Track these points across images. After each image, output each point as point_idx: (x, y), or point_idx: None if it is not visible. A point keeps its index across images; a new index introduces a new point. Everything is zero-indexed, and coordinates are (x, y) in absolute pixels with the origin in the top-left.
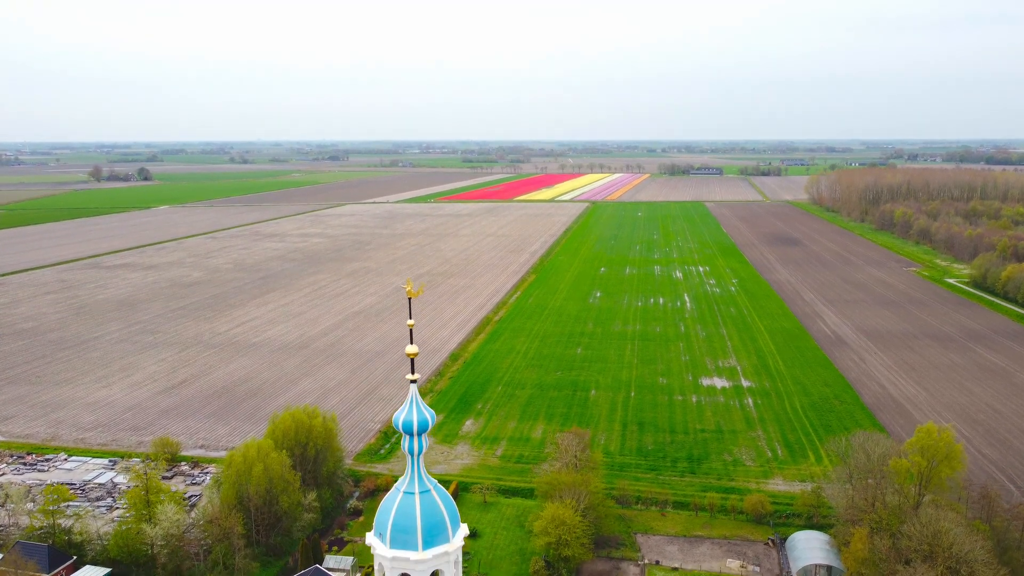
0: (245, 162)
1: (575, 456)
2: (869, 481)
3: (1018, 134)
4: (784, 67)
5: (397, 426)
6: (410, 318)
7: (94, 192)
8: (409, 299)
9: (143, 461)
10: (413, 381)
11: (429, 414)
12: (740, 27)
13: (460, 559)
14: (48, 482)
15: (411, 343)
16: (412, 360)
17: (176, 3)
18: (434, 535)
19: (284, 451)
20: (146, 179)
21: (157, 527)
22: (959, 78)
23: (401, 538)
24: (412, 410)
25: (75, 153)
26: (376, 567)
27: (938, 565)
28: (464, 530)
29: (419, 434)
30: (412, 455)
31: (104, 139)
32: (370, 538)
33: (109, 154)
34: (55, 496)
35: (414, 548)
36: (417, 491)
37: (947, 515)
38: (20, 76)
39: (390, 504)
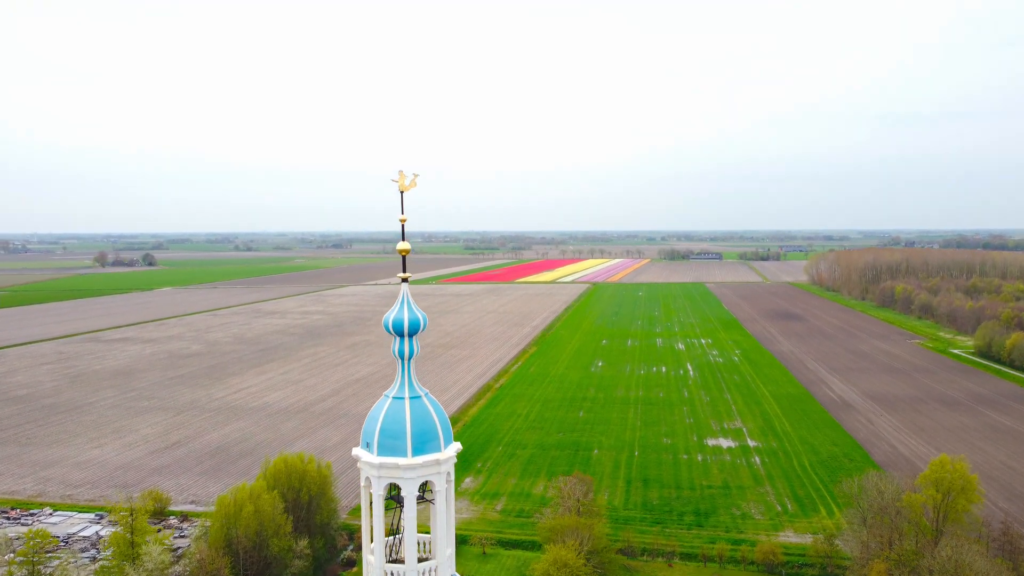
0: (249, 250)
1: (578, 501)
2: (882, 532)
3: (1013, 224)
4: (781, 161)
5: (387, 327)
6: (402, 214)
7: (98, 276)
8: (401, 193)
9: (129, 513)
10: (404, 280)
11: (420, 314)
12: (738, 127)
13: (452, 475)
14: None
15: (403, 240)
16: (403, 258)
17: (183, 110)
18: (425, 441)
19: (276, 492)
20: (151, 264)
21: (140, 569)
22: (954, 170)
23: (389, 444)
24: (403, 309)
25: (81, 243)
26: (363, 481)
27: None
28: (457, 446)
29: (410, 335)
30: (402, 359)
31: (111, 230)
32: (356, 451)
33: (116, 243)
34: (37, 540)
35: (403, 454)
36: (407, 396)
37: (969, 547)
38: (27, 172)
39: (378, 411)
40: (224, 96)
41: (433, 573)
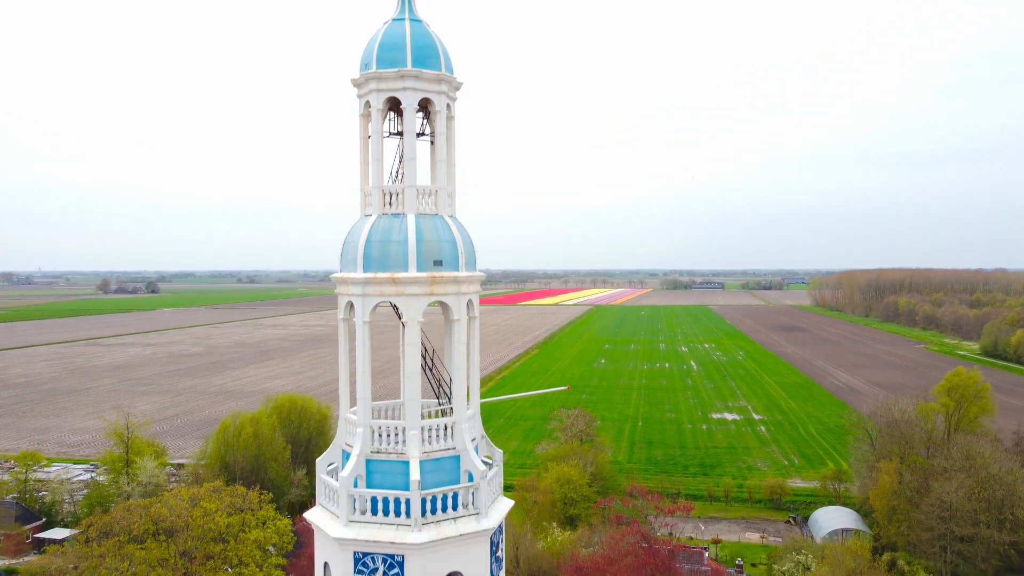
0: (252, 282)
1: (581, 431)
2: (891, 447)
3: (1014, 264)
4: (782, 202)
5: None
6: None
7: (101, 301)
8: None
9: (125, 428)
10: None
11: None
12: (739, 170)
13: (454, 112)
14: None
15: None
16: None
17: (185, 157)
18: (426, 57)
19: (276, 418)
20: (153, 292)
21: (134, 482)
22: (955, 211)
23: (389, 57)
24: None
25: (85, 277)
26: (361, 108)
27: (972, 479)
28: (463, 81)
29: None
30: None
31: (114, 267)
32: (353, 77)
33: (120, 277)
34: (28, 461)
35: (404, 65)
36: (407, 18)
37: (981, 440)
38: (29, 211)
39: (377, 32)
40: (227, 137)
41: (434, 197)
